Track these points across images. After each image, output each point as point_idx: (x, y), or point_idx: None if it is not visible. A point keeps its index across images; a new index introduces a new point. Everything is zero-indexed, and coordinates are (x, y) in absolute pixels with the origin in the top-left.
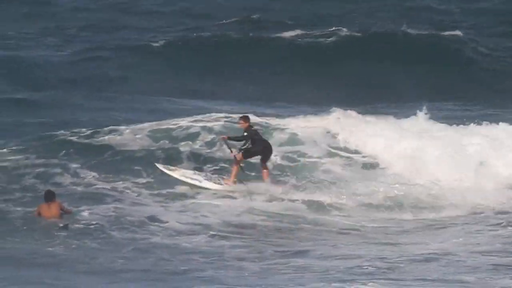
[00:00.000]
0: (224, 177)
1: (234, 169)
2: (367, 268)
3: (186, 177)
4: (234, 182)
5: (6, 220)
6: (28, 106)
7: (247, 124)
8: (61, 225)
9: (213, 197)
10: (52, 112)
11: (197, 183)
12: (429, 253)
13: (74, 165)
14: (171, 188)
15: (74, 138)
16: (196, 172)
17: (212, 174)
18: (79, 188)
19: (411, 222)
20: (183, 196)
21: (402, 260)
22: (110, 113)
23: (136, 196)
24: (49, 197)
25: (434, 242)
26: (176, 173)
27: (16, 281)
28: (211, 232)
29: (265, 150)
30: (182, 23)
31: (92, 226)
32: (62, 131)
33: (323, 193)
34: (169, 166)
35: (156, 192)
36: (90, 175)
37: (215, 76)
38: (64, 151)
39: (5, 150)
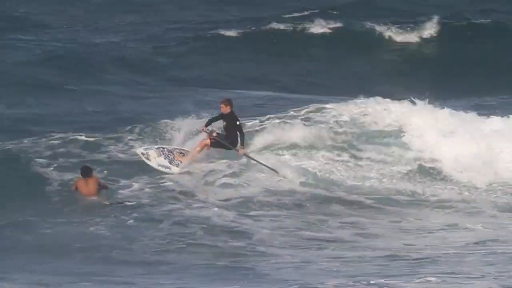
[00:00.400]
0: (183, 151)
1: (196, 151)
2: (400, 261)
3: (162, 167)
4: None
5: (46, 195)
6: (92, 97)
7: (229, 108)
8: (107, 203)
9: (260, 155)
10: (115, 103)
11: (168, 171)
12: (469, 242)
13: (128, 138)
14: (220, 152)
15: (136, 124)
16: (161, 148)
17: (172, 151)
18: (124, 157)
19: (450, 202)
20: (229, 158)
21: (437, 249)
22: (177, 106)
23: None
24: (86, 172)
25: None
26: (153, 162)
27: (49, 273)
28: (245, 210)
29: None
30: (233, 12)
31: (132, 202)
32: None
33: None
34: (147, 152)
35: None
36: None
37: (296, 69)
38: (123, 129)
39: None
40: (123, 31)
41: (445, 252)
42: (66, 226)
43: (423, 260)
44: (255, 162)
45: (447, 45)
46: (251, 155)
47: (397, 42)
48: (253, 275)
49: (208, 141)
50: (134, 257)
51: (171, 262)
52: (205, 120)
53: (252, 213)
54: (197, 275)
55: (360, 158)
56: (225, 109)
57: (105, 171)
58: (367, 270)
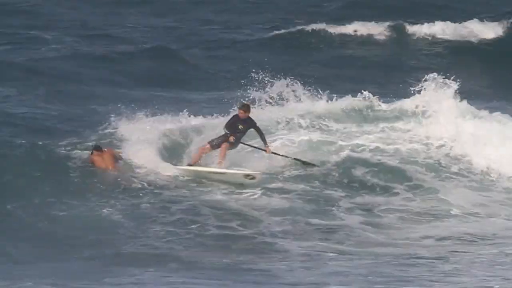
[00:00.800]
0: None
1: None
2: (410, 259)
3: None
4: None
5: (66, 173)
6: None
7: (248, 114)
8: (122, 186)
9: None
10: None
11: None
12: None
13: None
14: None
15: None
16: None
17: None
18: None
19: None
20: (268, 132)
21: (447, 245)
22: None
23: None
24: (99, 148)
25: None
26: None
27: (54, 271)
28: (267, 184)
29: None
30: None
31: (148, 187)
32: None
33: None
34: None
35: None
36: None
37: (370, 71)
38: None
39: None
40: (135, 28)
41: (454, 250)
42: (80, 208)
43: (433, 261)
44: (282, 157)
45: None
46: (277, 151)
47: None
48: (261, 276)
49: (228, 144)
50: (146, 250)
51: (180, 258)
52: (225, 125)
53: (273, 185)
54: (205, 276)
55: (395, 130)
56: (244, 115)
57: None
58: (375, 270)
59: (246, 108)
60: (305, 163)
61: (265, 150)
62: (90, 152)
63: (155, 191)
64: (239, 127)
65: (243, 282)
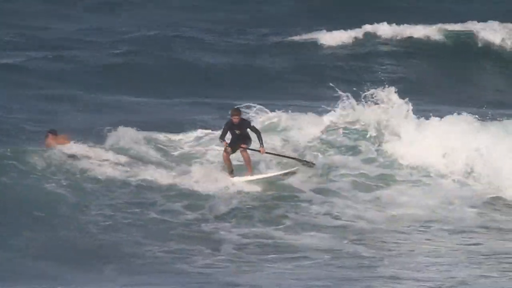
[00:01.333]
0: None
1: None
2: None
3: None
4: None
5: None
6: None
7: (240, 117)
8: (69, 154)
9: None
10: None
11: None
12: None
13: None
14: None
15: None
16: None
17: None
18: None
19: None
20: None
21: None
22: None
23: None
24: (53, 131)
25: None
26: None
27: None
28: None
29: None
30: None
31: (97, 166)
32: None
33: None
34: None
35: None
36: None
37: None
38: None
39: None
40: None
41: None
42: (28, 180)
43: (372, 258)
44: (279, 157)
45: None
46: (272, 151)
47: None
48: (197, 276)
49: (227, 154)
50: (82, 238)
51: (117, 251)
52: (219, 137)
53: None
54: (136, 281)
55: None
56: (237, 119)
57: None
58: (311, 272)
59: (238, 112)
60: (301, 162)
61: (259, 151)
62: (45, 136)
63: (103, 170)
64: (237, 132)
65: (175, 284)
